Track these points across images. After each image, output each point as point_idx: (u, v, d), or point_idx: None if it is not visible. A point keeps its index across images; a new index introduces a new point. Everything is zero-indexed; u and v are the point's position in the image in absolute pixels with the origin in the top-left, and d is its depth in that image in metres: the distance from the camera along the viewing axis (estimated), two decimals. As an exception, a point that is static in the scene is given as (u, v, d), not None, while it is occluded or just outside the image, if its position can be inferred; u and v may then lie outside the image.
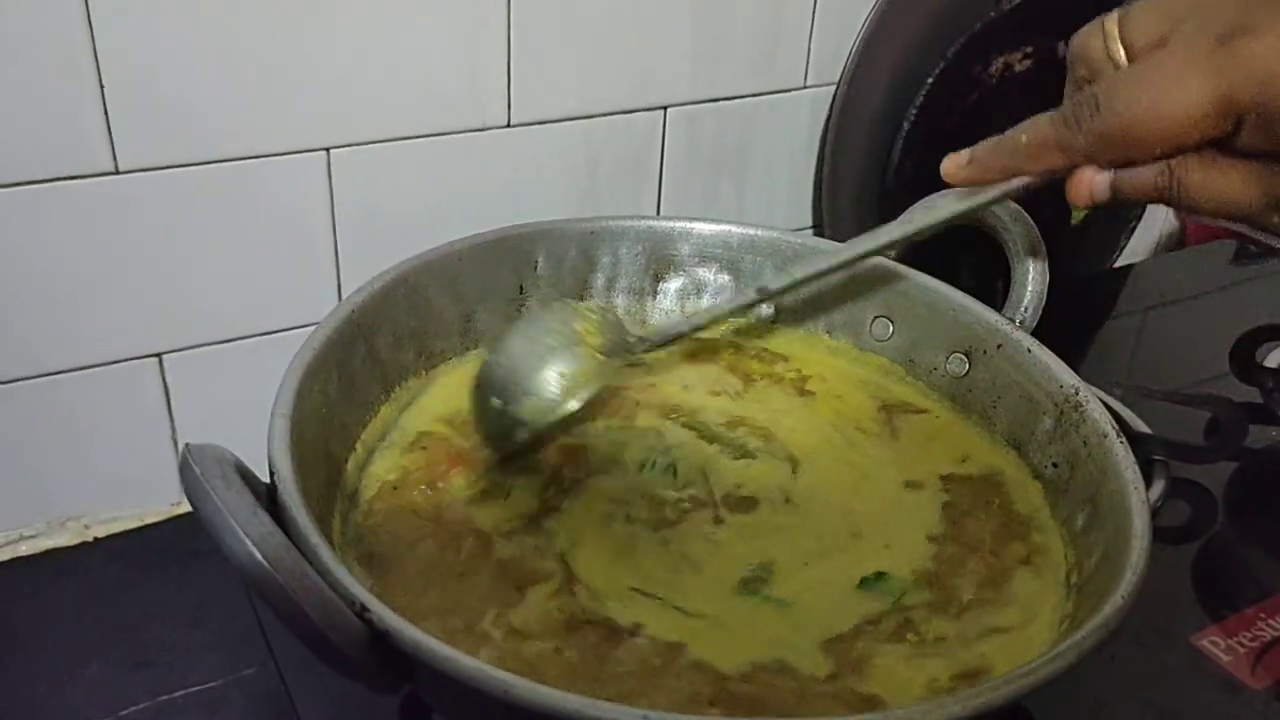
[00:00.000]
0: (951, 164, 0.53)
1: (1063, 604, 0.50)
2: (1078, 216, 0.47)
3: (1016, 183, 0.50)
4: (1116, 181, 0.46)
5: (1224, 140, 0.42)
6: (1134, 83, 0.43)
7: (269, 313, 0.69)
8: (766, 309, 0.68)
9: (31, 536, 0.67)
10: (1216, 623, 0.65)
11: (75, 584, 0.65)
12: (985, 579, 0.52)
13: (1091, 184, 0.46)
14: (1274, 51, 0.40)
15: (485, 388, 0.54)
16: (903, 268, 0.66)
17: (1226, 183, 0.43)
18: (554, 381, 0.53)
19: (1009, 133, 0.50)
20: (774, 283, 0.60)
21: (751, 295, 0.61)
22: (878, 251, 0.58)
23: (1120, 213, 1.00)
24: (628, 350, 0.57)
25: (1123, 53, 0.46)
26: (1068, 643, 0.40)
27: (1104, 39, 0.47)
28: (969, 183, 0.53)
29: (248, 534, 0.37)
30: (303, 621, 0.37)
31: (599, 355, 0.54)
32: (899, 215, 0.71)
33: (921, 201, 0.62)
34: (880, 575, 0.52)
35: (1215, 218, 0.44)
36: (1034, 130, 0.48)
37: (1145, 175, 0.45)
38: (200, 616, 0.63)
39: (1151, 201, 0.45)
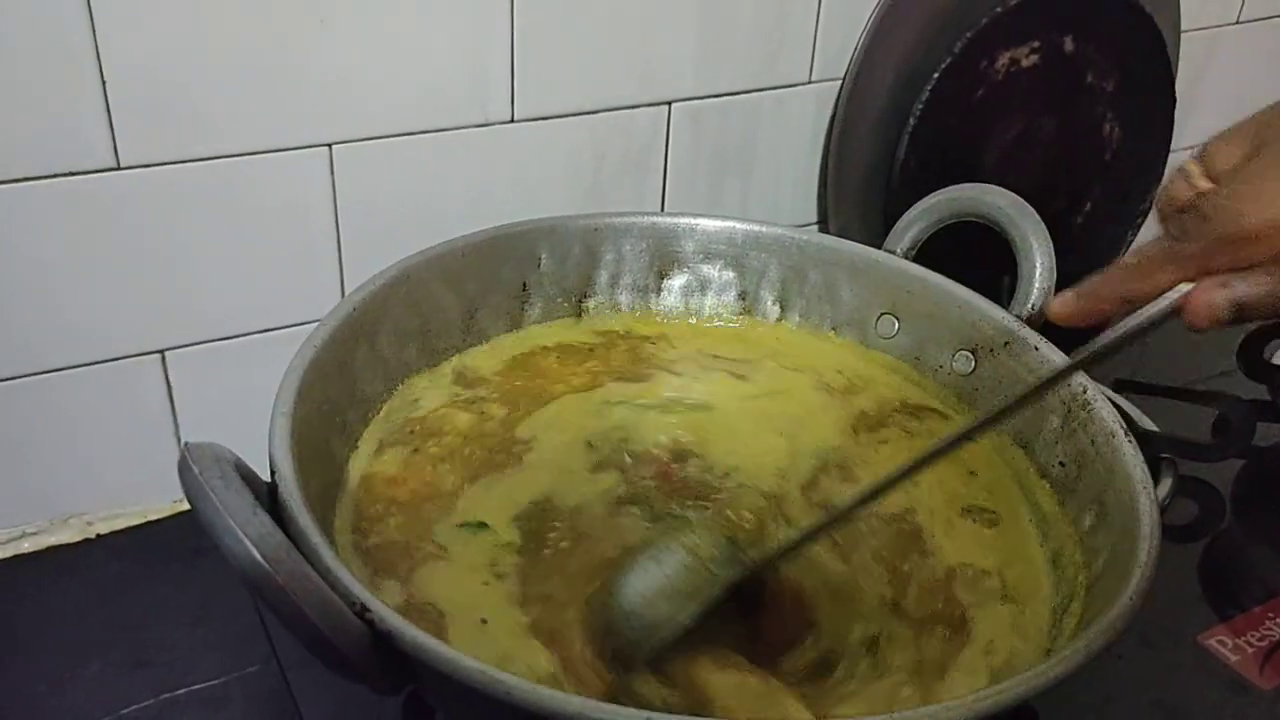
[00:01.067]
0: (1060, 306, 0.51)
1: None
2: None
3: (1131, 320, 0.49)
4: (1234, 295, 0.44)
5: None
6: (1236, 185, 0.44)
7: (271, 309, 0.69)
8: (772, 307, 0.68)
9: (34, 533, 0.67)
10: (1224, 622, 0.65)
11: (77, 581, 0.65)
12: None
13: (1211, 303, 0.45)
14: None
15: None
16: (909, 265, 0.65)
17: None
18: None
19: (1120, 262, 0.49)
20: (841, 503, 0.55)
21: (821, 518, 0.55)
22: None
23: (1126, 209, 1.00)
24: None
25: (1208, 185, 0.46)
26: (1076, 643, 0.40)
27: (1188, 179, 0.47)
28: (1081, 319, 0.51)
29: (247, 534, 0.37)
30: (303, 623, 0.37)
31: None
32: (903, 213, 0.71)
33: (944, 195, 0.60)
34: None
35: None
36: (1147, 254, 0.48)
37: (1263, 282, 0.44)
38: (202, 614, 0.63)
39: (1267, 317, 0.45)
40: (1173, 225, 0.47)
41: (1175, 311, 0.46)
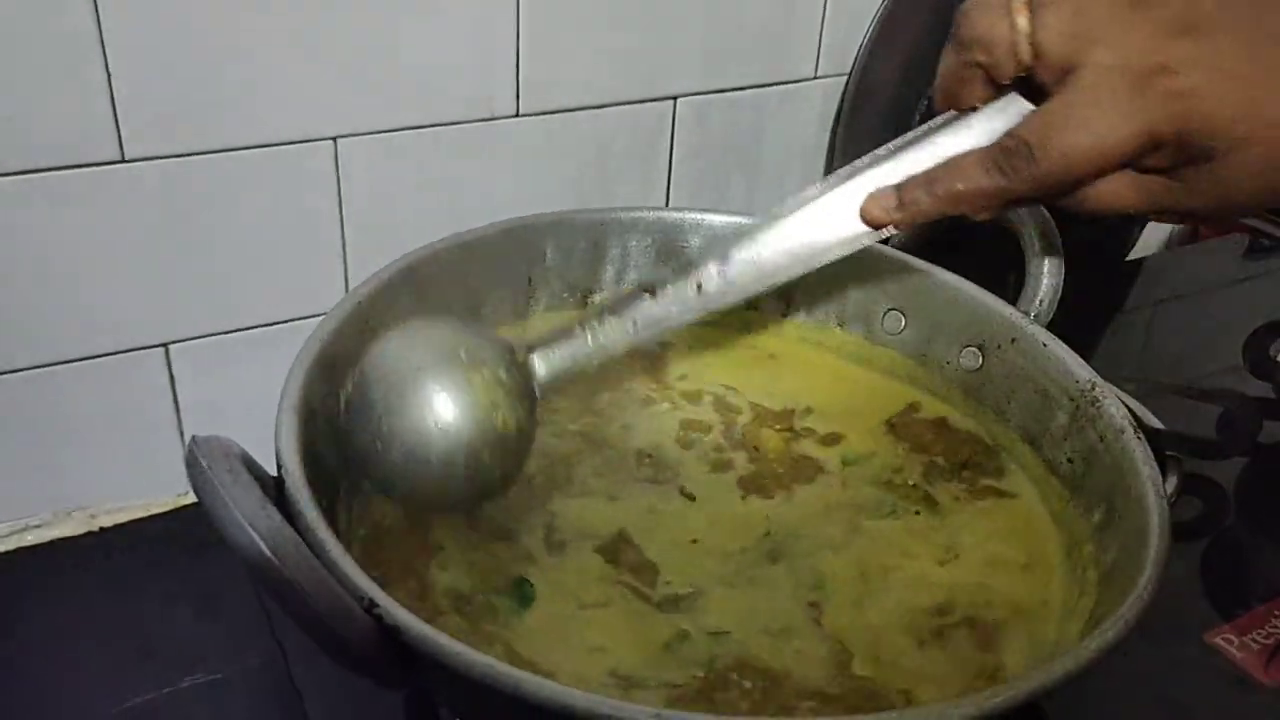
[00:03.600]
0: (877, 206, 0.52)
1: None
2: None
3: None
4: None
5: None
6: (1063, 127, 0.46)
7: (276, 303, 0.68)
8: (777, 302, 0.68)
9: (37, 526, 0.67)
10: (1229, 620, 0.65)
11: (81, 574, 0.65)
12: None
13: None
14: (1190, 91, 0.43)
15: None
16: (915, 260, 0.65)
17: (1117, 188, 0.47)
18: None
19: (934, 173, 0.51)
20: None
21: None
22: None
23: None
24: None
25: (1029, 53, 0.47)
26: (1086, 641, 0.40)
27: (1011, 30, 0.47)
28: (899, 225, 0.52)
29: (255, 528, 0.37)
30: (310, 616, 0.37)
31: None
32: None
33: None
34: None
35: (1093, 215, 0.48)
36: (966, 177, 0.49)
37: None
38: (207, 607, 0.63)
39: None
40: (956, 57, 0.52)
41: None
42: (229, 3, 0.59)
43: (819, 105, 0.83)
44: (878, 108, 0.82)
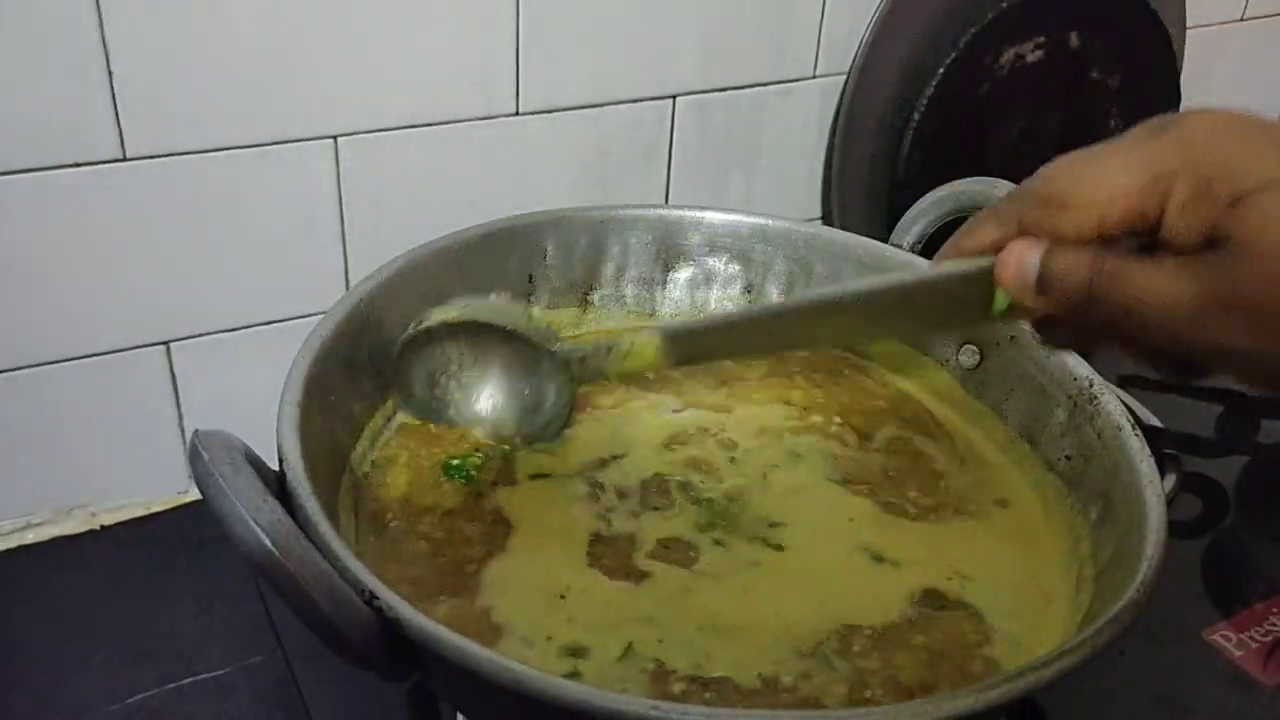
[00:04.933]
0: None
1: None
2: (1000, 304, 0.43)
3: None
4: (1046, 258, 0.42)
5: (1151, 234, 0.40)
6: (1071, 155, 0.42)
7: (276, 301, 0.69)
8: (778, 300, 0.68)
9: (38, 524, 0.67)
10: (1227, 618, 0.65)
11: (82, 572, 0.65)
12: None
13: (1021, 260, 0.43)
14: (1194, 129, 0.39)
15: None
16: (916, 259, 0.65)
17: (1156, 275, 0.39)
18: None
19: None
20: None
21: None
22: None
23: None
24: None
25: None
26: (1082, 637, 0.40)
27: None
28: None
29: (257, 521, 0.37)
30: (312, 610, 0.37)
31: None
32: (908, 208, 0.71)
33: (948, 190, 0.61)
34: None
35: (1143, 332, 0.40)
36: (976, 217, 0.46)
37: (1076, 258, 0.41)
38: (207, 605, 0.63)
39: (1074, 300, 0.41)
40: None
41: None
42: (229, 2, 0.59)
43: (818, 104, 0.83)
44: (877, 107, 0.82)
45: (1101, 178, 0.41)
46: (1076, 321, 0.42)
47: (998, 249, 0.43)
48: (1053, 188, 0.42)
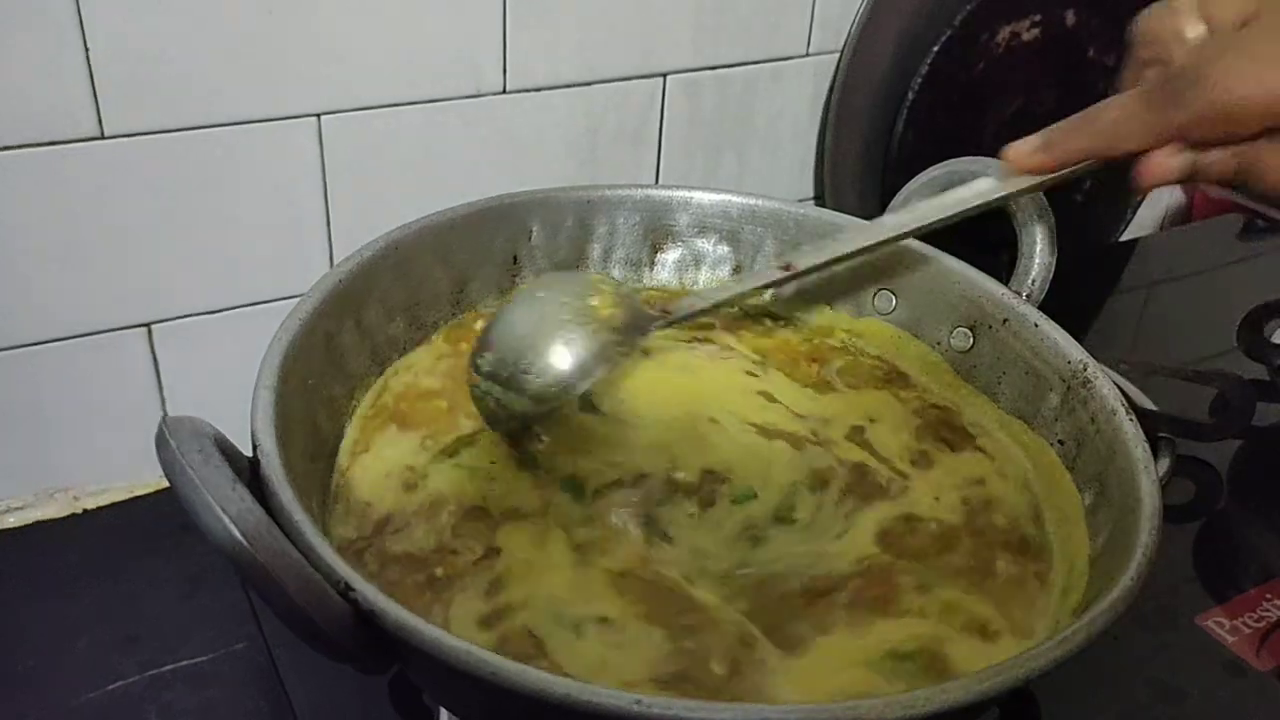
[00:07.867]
0: (1021, 150, 0.50)
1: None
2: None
3: (1083, 167, 0.48)
4: (1196, 160, 0.42)
5: None
6: (1235, 56, 0.40)
7: (260, 282, 0.68)
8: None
9: (20, 508, 0.67)
10: (1221, 603, 0.64)
11: (64, 557, 0.64)
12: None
13: (1165, 166, 0.43)
14: None
15: (486, 359, 0.52)
16: (908, 239, 0.64)
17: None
18: (564, 360, 0.51)
19: (1087, 113, 0.47)
20: (802, 261, 0.58)
21: (776, 273, 0.58)
22: (916, 232, 0.57)
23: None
24: (643, 329, 0.55)
25: (1202, 27, 0.44)
26: (1075, 624, 0.39)
27: (1176, 17, 0.45)
28: (1041, 169, 0.50)
29: (225, 510, 0.36)
30: (283, 600, 0.36)
31: (614, 332, 0.52)
32: (903, 185, 0.70)
33: (942, 169, 0.60)
34: None
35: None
36: (1120, 109, 0.45)
37: (1223, 158, 0.42)
38: (190, 590, 0.62)
39: (1226, 185, 0.42)
40: (1133, 66, 0.46)
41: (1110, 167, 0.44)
42: (209, -24, 0.58)
43: (811, 82, 0.82)
44: (870, 85, 0.81)
45: (1276, 85, 0.40)
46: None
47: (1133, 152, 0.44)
48: (1224, 100, 0.41)
